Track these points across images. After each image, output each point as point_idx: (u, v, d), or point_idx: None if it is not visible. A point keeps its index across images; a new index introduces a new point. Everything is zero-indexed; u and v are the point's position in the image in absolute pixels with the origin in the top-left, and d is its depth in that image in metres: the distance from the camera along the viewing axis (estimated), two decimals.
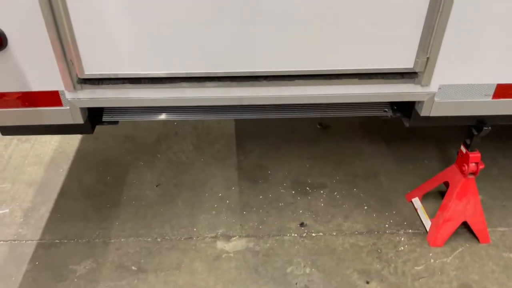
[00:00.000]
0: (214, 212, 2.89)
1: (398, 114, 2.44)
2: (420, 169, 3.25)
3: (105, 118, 2.32)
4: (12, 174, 3.15)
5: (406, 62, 2.04)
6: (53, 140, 3.46)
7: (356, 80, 2.08)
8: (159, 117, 2.38)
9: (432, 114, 2.23)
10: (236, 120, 3.69)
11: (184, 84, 2.03)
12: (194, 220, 2.82)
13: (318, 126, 3.66)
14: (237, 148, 3.42)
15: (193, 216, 2.86)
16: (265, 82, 2.07)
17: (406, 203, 2.98)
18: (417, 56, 2.02)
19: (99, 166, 3.22)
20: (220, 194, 3.01)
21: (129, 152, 3.35)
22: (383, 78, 2.08)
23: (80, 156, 3.30)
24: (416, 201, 2.94)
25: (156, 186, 3.06)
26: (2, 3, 1.73)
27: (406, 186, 3.09)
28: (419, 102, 2.23)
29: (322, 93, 2.13)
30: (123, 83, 1.99)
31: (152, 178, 3.12)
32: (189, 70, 2.00)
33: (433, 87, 2.14)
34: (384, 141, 3.51)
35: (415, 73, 2.08)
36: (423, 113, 2.23)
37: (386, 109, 2.44)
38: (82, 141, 3.43)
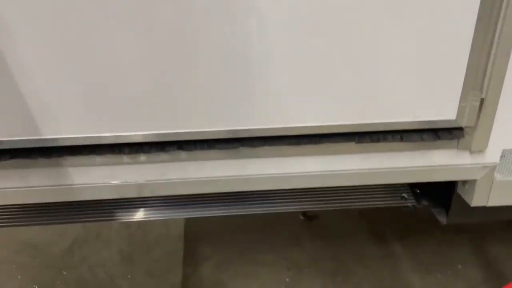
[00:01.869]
0: None
1: (426, 203, 1.46)
2: (454, 279, 2.19)
3: None
4: None
5: (443, 110, 1.10)
6: None
7: (352, 145, 1.12)
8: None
9: (490, 203, 1.25)
10: None
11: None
12: None
13: (301, 217, 2.64)
14: (185, 255, 2.35)
15: None
16: (183, 154, 1.10)
17: None
18: (463, 99, 1.09)
19: None
20: None
21: (21, 267, 2.26)
22: (401, 139, 1.13)
23: None
24: None
25: None
26: None
27: None
28: (465, 182, 1.26)
29: (298, 170, 1.16)
30: None
31: None
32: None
33: (492, 154, 1.18)
34: (396, 237, 2.48)
35: (460, 129, 1.14)
36: (476, 201, 1.25)
37: (404, 195, 1.46)
38: None
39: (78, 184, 1.08)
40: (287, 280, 2.20)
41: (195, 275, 2.22)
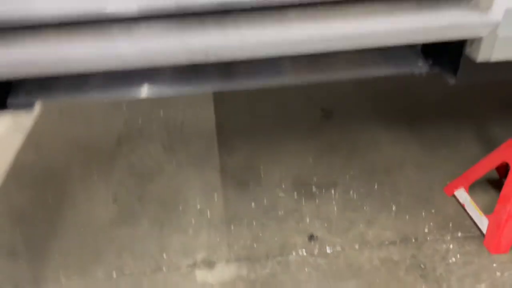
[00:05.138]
0: (190, 231, 2.11)
1: (437, 70, 1.72)
2: (456, 155, 2.51)
3: (12, 100, 1.56)
4: None
5: None
6: None
7: (380, 4, 1.35)
8: (97, 95, 1.63)
9: (493, 58, 1.51)
10: (216, 113, 2.95)
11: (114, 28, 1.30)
12: (164, 244, 2.05)
13: (321, 112, 2.93)
14: (219, 146, 2.67)
15: (162, 238, 2.08)
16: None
17: (447, 198, 2.23)
18: None
19: (38, 182, 2.44)
20: (198, 206, 2.24)
21: (79, 161, 2.58)
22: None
23: (14, 170, 2.53)
24: (461, 194, 2.18)
25: (113, 202, 2.29)
26: None
27: (442, 177, 2.35)
28: (472, 41, 1.51)
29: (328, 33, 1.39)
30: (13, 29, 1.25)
31: (108, 193, 2.35)
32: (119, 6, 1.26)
33: (496, 13, 1.42)
34: (405, 124, 2.78)
35: None
36: (481, 56, 1.50)
37: (419, 63, 1.72)
38: (20, 151, 2.66)
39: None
40: (310, 161, 2.52)
41: (231, 161, 2.54)
